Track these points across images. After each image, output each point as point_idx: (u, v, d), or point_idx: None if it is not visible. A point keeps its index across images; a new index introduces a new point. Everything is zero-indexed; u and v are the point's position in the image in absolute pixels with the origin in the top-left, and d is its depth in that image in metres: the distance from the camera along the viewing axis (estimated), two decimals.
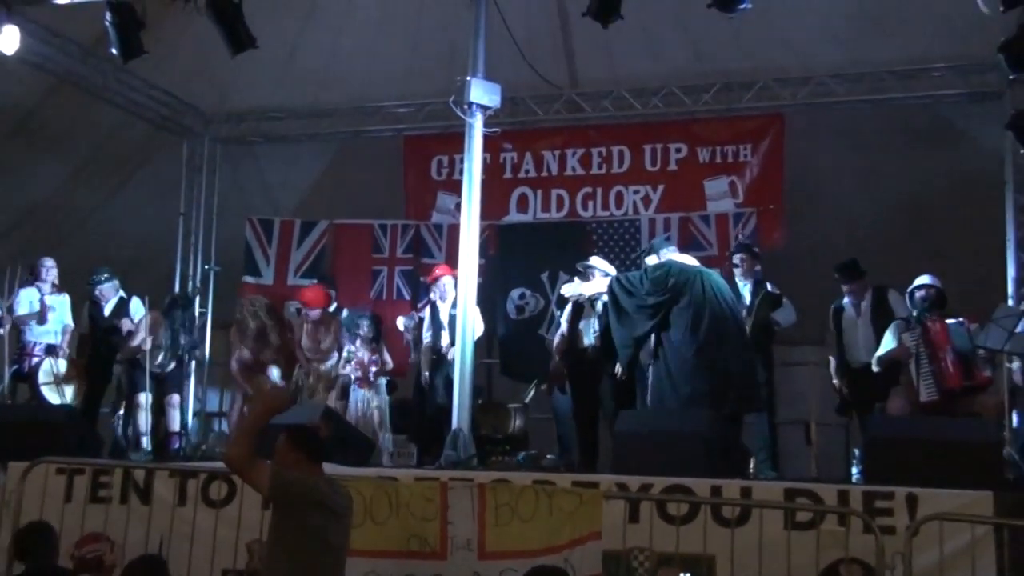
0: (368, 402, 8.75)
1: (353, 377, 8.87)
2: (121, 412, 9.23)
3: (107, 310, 9.40)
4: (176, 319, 9.11)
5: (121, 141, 10.83)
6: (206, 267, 11.03)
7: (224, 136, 11.31)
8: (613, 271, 8.44)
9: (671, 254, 7.75)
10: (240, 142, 11.35)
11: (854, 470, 7.39)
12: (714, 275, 7.63)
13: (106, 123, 10.50)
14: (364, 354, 8.82)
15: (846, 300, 8.25)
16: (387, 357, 8.99)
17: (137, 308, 9.37)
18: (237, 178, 11.53)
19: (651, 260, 7.75)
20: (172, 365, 9.06)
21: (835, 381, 8.25)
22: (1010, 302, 8.46)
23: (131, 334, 9.05)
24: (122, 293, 9.46)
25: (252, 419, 4.66)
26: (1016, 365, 7.57)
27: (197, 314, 9.88)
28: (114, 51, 7.97)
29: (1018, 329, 6.99)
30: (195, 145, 11.25)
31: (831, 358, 8.28)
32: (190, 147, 11.24)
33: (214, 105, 11.07)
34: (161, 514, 6.36)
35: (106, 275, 9.39)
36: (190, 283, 10.99)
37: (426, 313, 8.95)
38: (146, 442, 8.79)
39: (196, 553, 5.97)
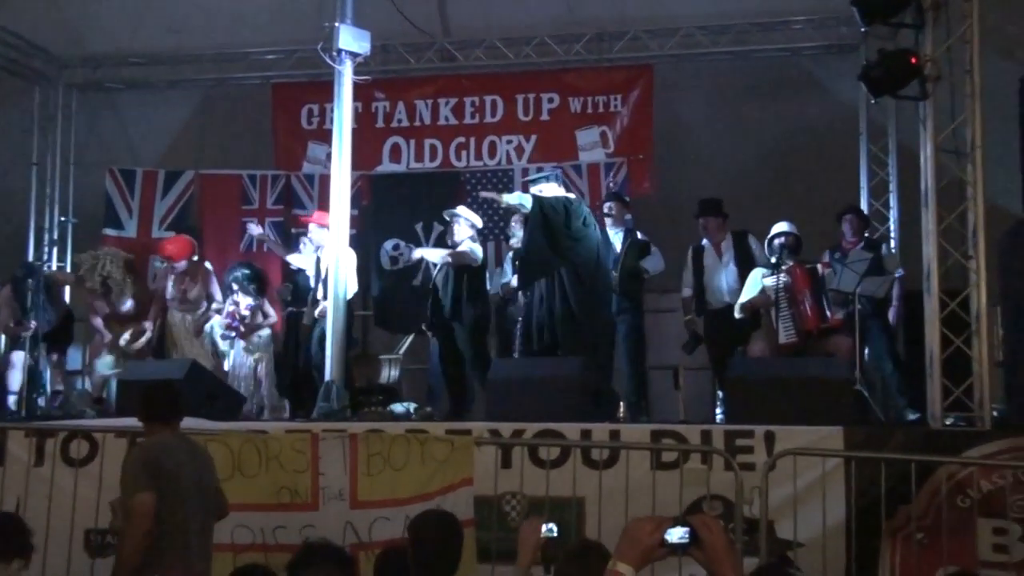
0: (245, 355, 8.57)
1: (221, 329, 8.67)
2: None
3: None
4: (26, 291, 8.69)
5: None
6: (63, 219, 10.58)
7: (80, 82, 10.78)
8: (479, 221, 8.44)
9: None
10: (97, 88, 10.84)
11: (718, 411, 7.69)
12: None
13: None
14: (239, 306, 8.59)
15: (704, 241, 8.41)
16: (269, 309, 8.79)
17: None
18: (95, 126, 11.00)
19: (550, 188, 7.69)
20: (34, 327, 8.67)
21: (687, 317, 8.43)
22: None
23: None
24: None
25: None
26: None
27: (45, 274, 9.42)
28: None
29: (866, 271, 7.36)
30: (48, 91, 10.69)
31: (683, 293, 8.44)
32: (42, 93, 10.67)
33: (68, 49, 10.52)
34: (16, 475, 6.14)
35: None
36: (46, 236, 10.52)
37: (311, 265, 8.73)
38: (13, 402, 8.45)
39: (56, 514, 5.78)
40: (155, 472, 4.38)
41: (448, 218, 8.46)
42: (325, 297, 8.15)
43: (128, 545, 4.34)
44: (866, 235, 8.34)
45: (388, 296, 9.80)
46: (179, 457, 4.55)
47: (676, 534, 2.35)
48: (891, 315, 8.08)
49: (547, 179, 7.77)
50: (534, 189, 7.76)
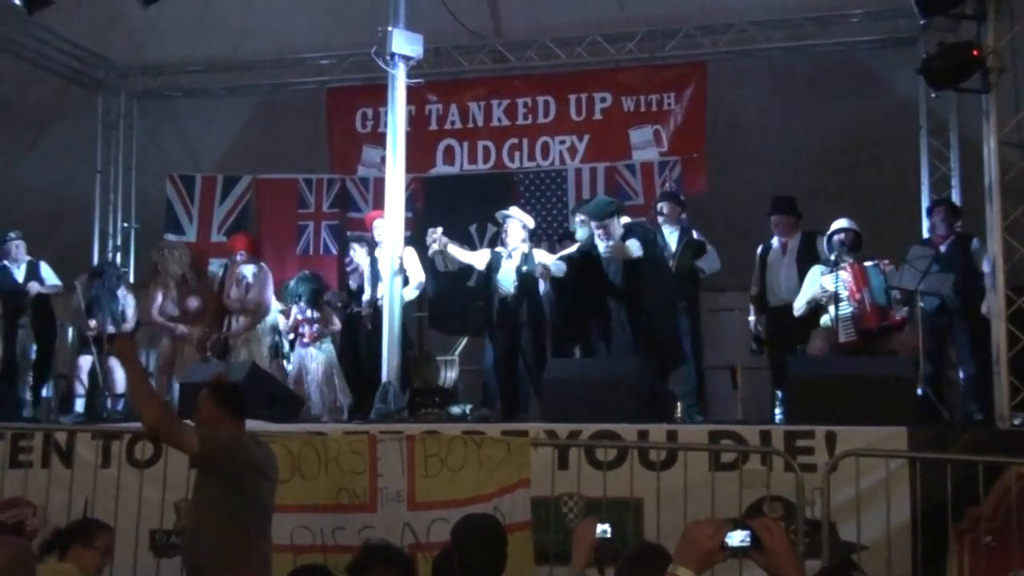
0: (311, 360, 8.64)
1: (286, 335, 8.78)
2: (30, 377, 9.08)
3: (19, 274, 9.15)
4: (94, 288, 8.89)
5: (31, 96, 10.51)
6: (125, 225, 10.82)
7: (140, 90, 11.03)
8: (531, 222, 8.40)
9: None
10: (158, 96, 11.08)
11: (777, 411, 7.58)
12: None
13: (14, 77, 10.15)
14: (303, 314, 8.69)
15: (774, 239, 8.24)
16: (333, 318, 8.86)
17: (48, 271, 9.16)
18: (155, 133, 11.26)
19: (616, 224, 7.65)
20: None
21: (751, 317, 8.30)
22: None
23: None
24: (29, 257, 9.23)
25: (130, 380, 4.53)
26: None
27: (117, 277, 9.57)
28: (18, 1, 7.68)
29: (932, 269, 7.19)
30: (110, 99, 10.97)
31: (752, 291, 8.31)
32: (105, 101, 10.95)
33: (129, 58, 10.78)
34: (84, 476, 6.26)
35: (14, 235, 9.14)
36: (109, 242, 10.78)
37: (365, 266, 8.79)
38: (80, 404, 8.64)
39: (122, 514, 5.89)
40: (245, 459, 4.45)
41: (500, 220, 8.45)
42: (372, 295, 8.25)
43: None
44: (958, 228, 7.92)
45: (442, 298, 9.83)
46: (265, 450, 4.65)
47: (737, 537, 2.32)
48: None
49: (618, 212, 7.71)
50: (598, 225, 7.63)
